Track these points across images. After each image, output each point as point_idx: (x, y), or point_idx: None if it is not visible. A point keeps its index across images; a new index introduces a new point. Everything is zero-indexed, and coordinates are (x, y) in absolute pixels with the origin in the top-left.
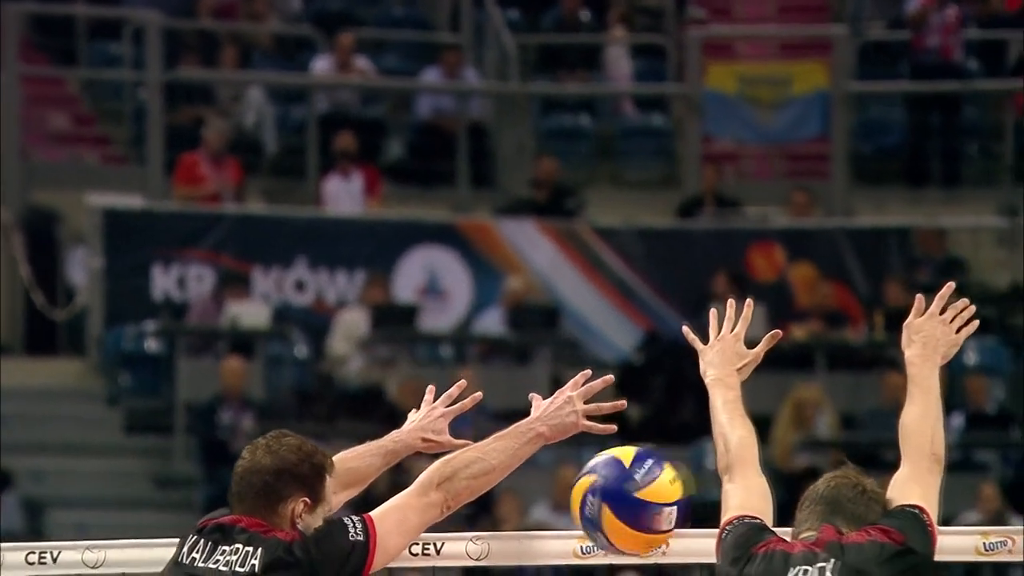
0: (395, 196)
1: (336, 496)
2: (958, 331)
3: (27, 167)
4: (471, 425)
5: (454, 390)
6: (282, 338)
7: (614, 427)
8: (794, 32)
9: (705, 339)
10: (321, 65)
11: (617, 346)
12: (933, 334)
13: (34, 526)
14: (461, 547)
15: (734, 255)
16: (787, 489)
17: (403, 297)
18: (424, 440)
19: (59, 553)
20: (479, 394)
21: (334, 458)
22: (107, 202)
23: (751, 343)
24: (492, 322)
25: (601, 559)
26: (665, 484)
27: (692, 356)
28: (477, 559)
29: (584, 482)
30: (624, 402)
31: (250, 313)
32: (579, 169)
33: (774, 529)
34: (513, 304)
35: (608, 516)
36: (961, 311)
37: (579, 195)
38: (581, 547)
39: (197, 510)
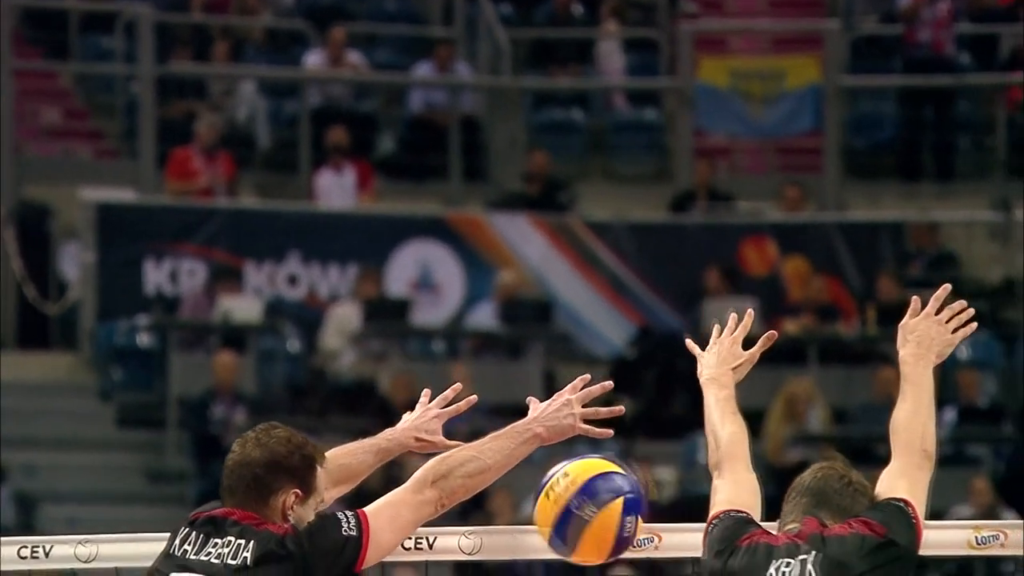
0: (387, 190)
1: (327, 493)
2: (955, 331)
3: (19, 161)
4: (465, 420)
5: (449, 392)
6: (274, 332)
7: (611, 432)
8: (786, 26)
9: (703, 345)
10: (313, 59)
11: (609, 340)
12: (928, 334)
13: (26, 520)
14: (454, 542)
15: (726, 249)
16: (779, 483)
17: (395, 291)
18: (417, 440)
19: (51, 547)
20: (474, 397)
21: (326, 455)
22: (99, 196)
23: (747, 342)
24: (484, 316)
25: None
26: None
27: (684, 350)
28: (470, 554)
29: (616, 506)
30: (622, 407)
31: (242, 307)
32: (571, 163)
33: (761, 523)
34: (505, 298)
35: (640, 525)
36: (958, 312)
37: (571, 189)
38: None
39: (189, 504)
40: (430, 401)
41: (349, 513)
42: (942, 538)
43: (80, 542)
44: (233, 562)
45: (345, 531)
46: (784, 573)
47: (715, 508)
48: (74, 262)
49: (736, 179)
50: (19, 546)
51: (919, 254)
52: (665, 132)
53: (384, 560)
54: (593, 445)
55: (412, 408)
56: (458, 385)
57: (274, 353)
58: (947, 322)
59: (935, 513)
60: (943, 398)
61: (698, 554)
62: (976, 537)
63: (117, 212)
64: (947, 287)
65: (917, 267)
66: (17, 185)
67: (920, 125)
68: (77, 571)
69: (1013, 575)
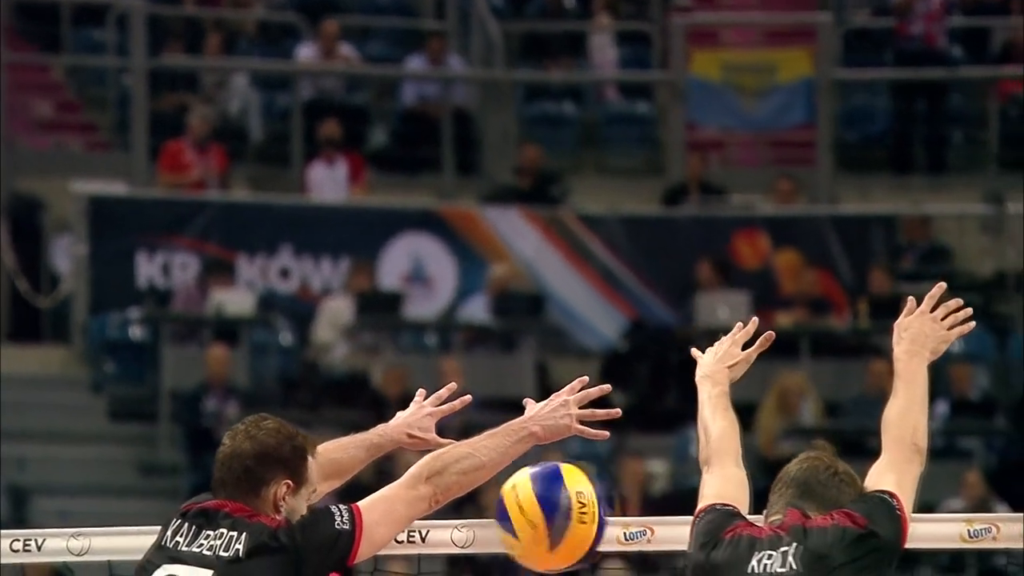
0: (379, 183)
1: (318, 487)
2: (951, 328)
3: (11, 154)
4: (457, 414)
5: (444, 391)
6: (267, 325)
7: (606, 433)
8: (779, 19)
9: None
10: (305, 52)
11: (602, 334)
12: (922, 331)
13: (18, 514)
14: (446, 535)
15: (719, 242)
16: (771, 476)
17: (388, 284)
18: (410, 436)
19: (44, 540)
20: (468, 397)
21: (317, 449)
22: (91, 189)
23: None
24: (477, 309)
25: None
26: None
27: (677, 343)
28: (462, 547)
29: (594, 497)
30: (618, 410)
31: (235, 300)
32: (563, 156)
33: (748, 516)
34: (498, 291)
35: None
36: (954, 310)
37: (563, 182)
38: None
39: (182, 497)
40: (425, 399)
41: (343, 507)
42: (935, 531)
43: (72, 535)
44: (225, 554)
45: (338, 525)
46: (766, 565)
47: (702, 502)
48: (66, 255)
49: (728, 172)
50: (11, 539)
51: (911, 247)
52: (657, 125)
53: (377, 553)
54: (587, 445)
55: (405, 402)
56: (452, 384)
57: (266, 346)
58: (943, 319)
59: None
60: (935, 391)
61: None
62: (968, 530)
63: (109, 205)
64: (942, 285)
65: (909, 260)
66: (9, 178)
67: (912, 118)
68: (70, 564)
69: (1006, 568)
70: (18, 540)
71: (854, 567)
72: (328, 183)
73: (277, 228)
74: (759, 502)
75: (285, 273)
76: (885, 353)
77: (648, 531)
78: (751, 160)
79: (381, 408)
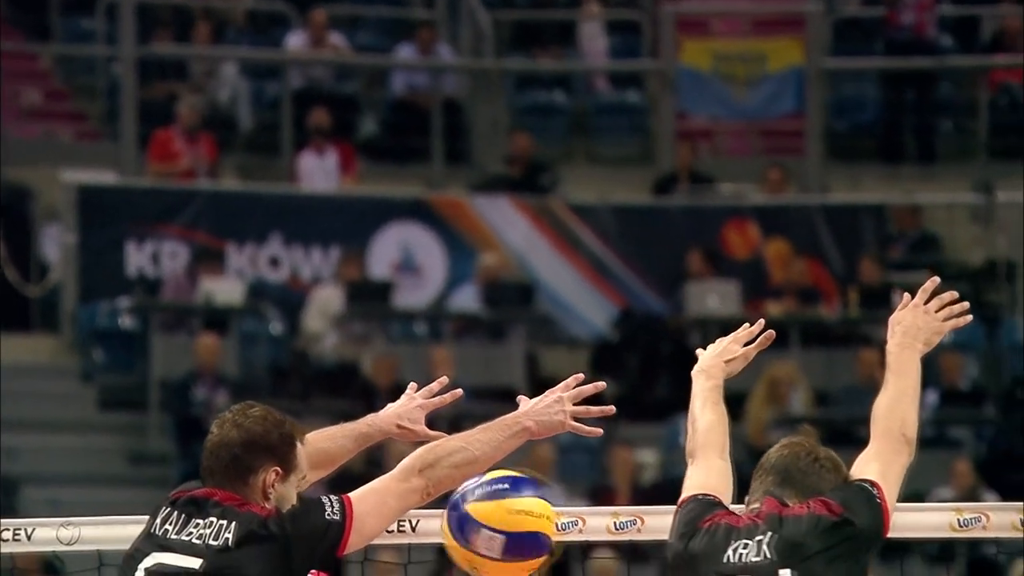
0: (369, 172)
1: (307, 476)
2: (945, 320)
3: (0, 143)
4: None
5: (435, 385)
6: (256, 315)
7: (600, 430)
8: (769, 9)
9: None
10: (295, 41)
11: (592, 323)
12: (914, 323)
13: (8, 503)
14: (436, 524)
15: (709, 232)
16: None
17: (378, 274)
18: (399, 427)
19: (34, 530)
20: (459, 391)
21: (306, 437)
22: (81, 178)
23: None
24: (467, 299)
25: (575, 536)
26: (502, 509)
27: (667, 333)
28: None
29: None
30: (613, 408)
31: (224, 289)
32: (554, 146)
33: (731, 506)
34: (488, 281)
35: (443, 522)
36: (949, 303)
37: (554, 171)
38: (556, 524)
39: (172, 486)
40: (416, 392)
41: (334, 498)
42: (924, 520)
43: (62, 524)
44: (215, 543)
45: (328, 515)
46: (741, 555)
47: (685, 493)
48: (55, 244)
49: (718, 162)
50: (1, 529)
51: (901, 236)
52: (648, 114)
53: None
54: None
55: (395, 392)
56: (444, 378)
57: (256, 335)
58: (936, 312)
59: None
60: (925, 381)
61: None
62: (958, 519)
63: (98, 194)
64: (935, 279)
65: (899, 250)
66: None
67: (902, 107)
68: (59, 554)
69: (996, 557)
70: (8, 530)
71: (828, 555)
72: (318, 172)
73: (267, 217)
74: (745, 490)
75: (275, 262)
76: (875, 342)
77: (638, 520)
78: (741, 149)
79: (371, 397)
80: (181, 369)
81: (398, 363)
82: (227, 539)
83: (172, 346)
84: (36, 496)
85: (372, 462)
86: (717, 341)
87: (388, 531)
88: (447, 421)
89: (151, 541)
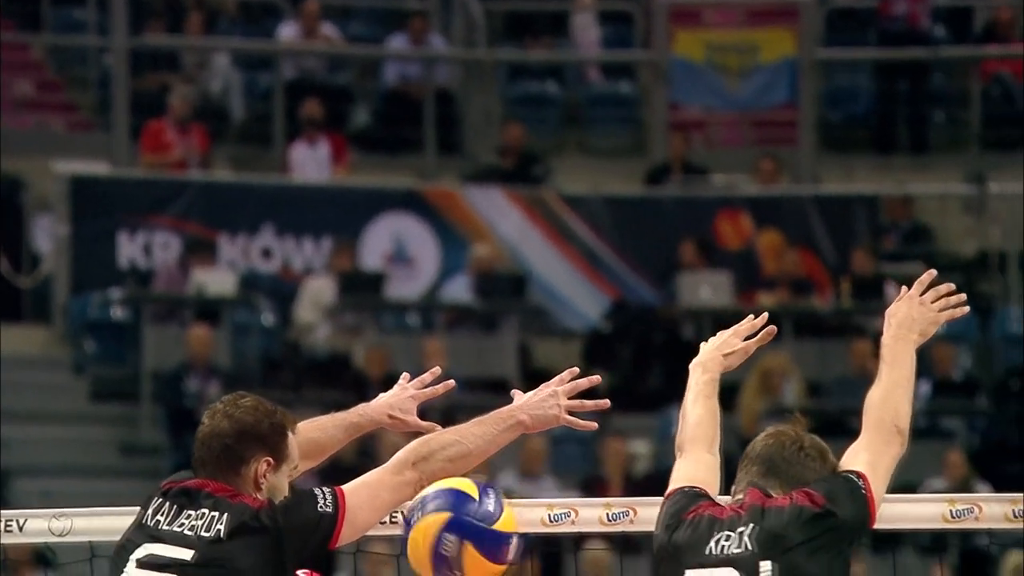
0: (362, 163)
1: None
2: (941, 311)
3: None
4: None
5: (428, 376)
6: (248, 306)
7: (594, 424)
8: None
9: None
10: (287, 32)
11: (584, 314)
12: (909, 315)
13: None
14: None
15: (701, 223)
16: None
17: (370, 265)
18: (391, 417)
19: (25, 521)
20: (452, 382)
21: (296, 426)
22: (73, 169)
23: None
24: (459, 290)
25: (568, 528)
26: (510, 514)
27: (659, 324)
28: None
29: (435, 519)
30: (607, 402)
31: (216, 280)
32: (546, 136)
33: (717, 497)
34: (480, 272)
35: (471, 553)
36: (945, 294)
37: (546, 162)
38: (549, 515)
39: (164, 478)
40: (408, 382)
41: (326, 490)
42: (917, 511)
43: (54, 516)
44: (207, 534)
45: (321, 507)
46: (723, 547)
47: (671, 486)
48: (47, 235)
49: (711, 152)
50: None
51: (893, 227)
52: (640, 105)
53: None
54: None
55: (388, 383)
56: (436, 369)
57: (248, 326)
58: (932, 303)
59: (909, 486)
60: (918, 372)
61: None
62: (951, 510)
63: (90, 185)
64: (932, 272)
65: (891, 240)
66: None
67: (895, 98)
68: (51, 545)
69: (988, 548)
70: None
71: (810, 546)
72: (310, 163)
73: (259, 208)
74: (733, 480)
75: (267, 253)
76: (868, 333)
77: (631, 512)
78: (734, 140)
79: (363, 388)
80: (173, 360)
81: (390, 354)
82: (219, 530)
83: (164, 337)
84: (28, 487)
85: (365, 453)
86: (718, 334)
87: (381, 523)
88: (439, 412)
89: (143, 532)
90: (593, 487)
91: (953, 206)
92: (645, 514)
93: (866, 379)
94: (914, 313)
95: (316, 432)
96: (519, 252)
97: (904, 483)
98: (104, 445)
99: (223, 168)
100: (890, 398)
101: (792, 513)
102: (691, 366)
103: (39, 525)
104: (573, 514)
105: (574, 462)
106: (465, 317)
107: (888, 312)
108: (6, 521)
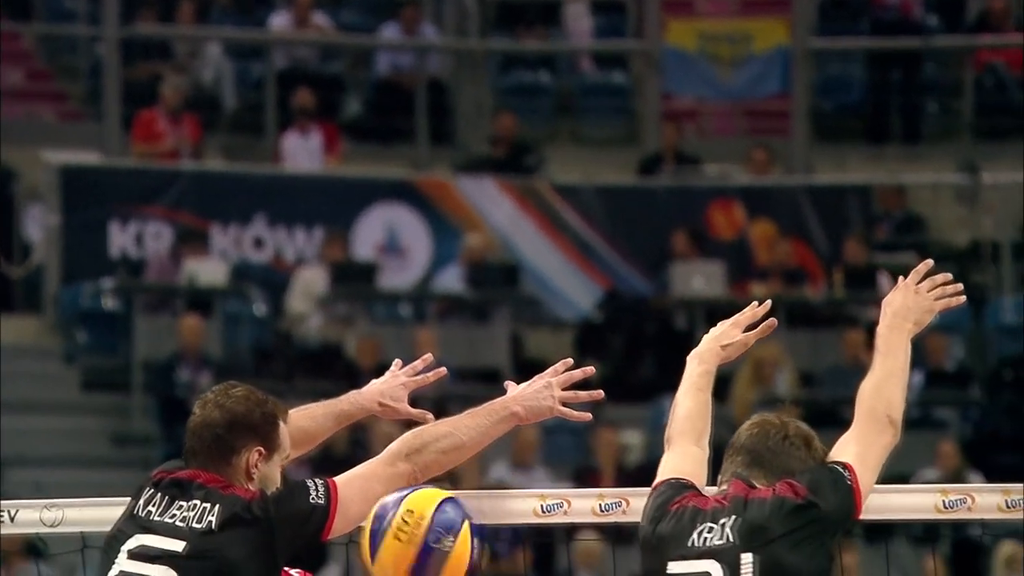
0: (354, 153)
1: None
2: (937, 300)
3: None
4: (431, 384)
5: (419, 363)
6: (240, 296)
7: (589, 415)
8: None
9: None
10: (279, 21)
11: (577, 304)
12: (905, 304)
13: None
14: None
15: (694, 213)
16: None
17: (362, 255)
18: (381, 405)
19: (17, 512)
20: (443, 369)
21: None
22: (64, 159)
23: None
24: (451, 280)
25: (561, 519)
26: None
27: (652, 314)
28: None
29: (466, 531)
30: (602, 392)
31: (208, 270)
32: (538, 126)
33: (704, 488)
34: (472, 262)
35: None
36: (941, 284)
37: (538, 152)
38: (541, 506)
39: (155, 468)
40: (400, 369)
41: (319, 481)
42: (910, 502)
43: (46, 506)
44: (198, 526)
45: (313, 499)
46: (706, 539)
47: (658, 478)
48: (38, 225)
49: (704, 142)
50: None
51: (886, 217)
52: (633, 95)
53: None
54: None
55: (379, 373)
56: (428, 356)
57: (240, 316)
58: (928, 292)
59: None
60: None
61: None
62: (944, 501)
63: (82, 174)
64: (929, 262)
65: (884, 230)
66: None
67: (888, 88)
68: (43, 535)
69: (981, 539)
70: None
71: (792, 539)
72: (302, 153)
73: (251, 198)
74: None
75: (259, 243)
76: (861, 323)
77: (623, 502)
78: (726, 130)
79: (355, 378)
80: (165, 350)
81: (382, 344)
82: (210, 522)
83: (156, 327)
84: (19, 478)
85: (357, 444)
86: (719, 323)
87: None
88: (432, 403)
89: (134, 523)
90: (585, 478)
91: (946, 196)
92: (638, 505)
93: (859, 369)
94: (910, 302)
95: (306, 420)
96: (511, 242)
97: (897, 473)
98: (96, 435)
99: (215, 158)
100: (883, 388)
101: (774, 505)
102: (688, 357)
103: (30, 516)
104: (565, 505)
105: (566, 453)
106: (457, 307)
107: (884, 301)
108: None
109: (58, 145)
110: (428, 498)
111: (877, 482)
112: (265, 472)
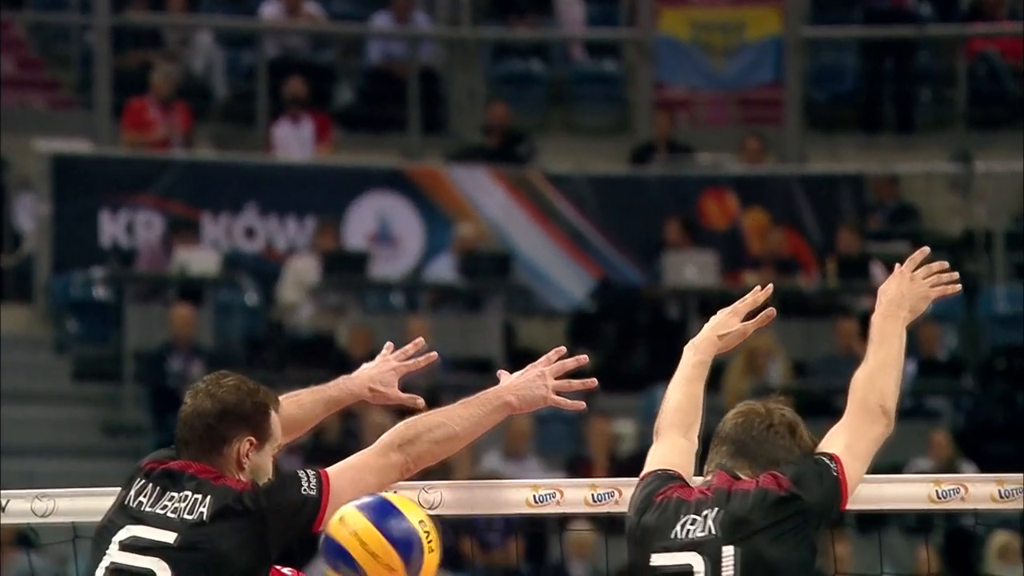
0: (345, 142)
1: None
2: (933, 287)
3: None
4: (421, 374)
5: (410, 347)
6: (232, 285)
7: (582, 404)
8: None
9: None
10: (270, 9)
11: (569, 293)
12: (900, 291)
13: None
14: (413, 496)
15: (687, 202)
16: None
17: (354, 244)
18: (372, 391)
19: (8, 502)
20: (434, 354)
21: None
22: (54, 147)
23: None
24: (443, 269)
25: (553, 509)
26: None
27: (644, 303)
28: (430, 508)
29: (432, 522)
30: (595, 381)
31: (199, 260)
32: (531, 115)
33: (691, 478)
34: (464, 251)
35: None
36: (937, 271)
37: (531, 141)
38: (534, 496)
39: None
40: (391, 353)
41: (311, 472)
42: (903, 492)
43: (37, 496)
44: (189, 517)
45: (304, 490)
46: (688, 530)
47: (645, 469)
48: (29, 214)
49: (696, 131)
50: None
51: (879, 206)
52: (625, 84)
53: None
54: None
55: (372, 360)
56: (420, 340)
57: (231, 306)
58: (923, 279)
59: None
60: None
61: None
62: (937, 491)
63: (72, 163)
64: (925, 249)
65: (877, 220)
66: None
67: (881, 77)
68: (34, 525)
69: (974, 529)
70: None
71: (774, 531)
72: (293, 142)
73: (242, 187)
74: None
75: (250, 232)
76: (853, 313)
77: (616, 492)
78: (719, 119)
79: (347, 368)
80: (156, 340)
81: (374, 334)
82: (202, 513)
83: (147, 317)
84: (10, 468)
85: (349, 434)
86: (719, 311)
87: None
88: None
89: (125, 513)
90: (578, 467)
91: (939, 185)
92: (630, 495)
93: (852, 359)
94: (905, 289)
95: (294, 408)
96: (503, 231)
97: (889, 463)
98: (87, 425)
99: (206, 147)
100: (876, 378)
101: (757, 497)
102: (685, 347)
103: (21, 506)
104: (558, 495)
105: (559, 442)
106: (449, 297)
107: (880, 289)
108: None
109: (49, 134)
110: (412, 505)
111: (869, 472)
112: (257, 462)
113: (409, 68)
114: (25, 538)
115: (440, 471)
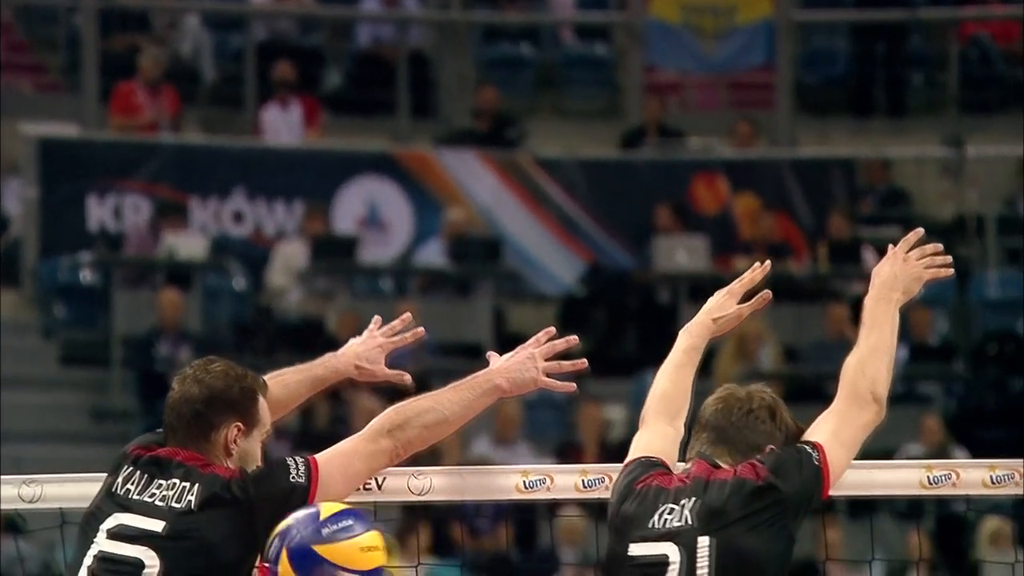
0: (334, 126)
1: None
2: (927, 268)
3: None
4: (410, 359)
5: (397, 323)
6: (220, 270)
7: (573, 386)
8: None
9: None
10: None
11: (559, 278)
12: (893, 272)
13: None
14: (403, 482)
15: (677, 186)
16: None
17: (342, 228)
18: (358, 367)
19: None
20: (421, 330)
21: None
22: (42, 131)
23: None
24: (433, 254)
25: (544, 495)
26: (354, 548)
27: (634, 288)
28: (419, 495)
29: (280, 524)
30: (585, 362)
31: (187, 244)
32: (521, 99)
33: (673, 466)
34: (454, 236)
35: (284, 562)
36: (931, 254)
37: (521, 125)
38: (524, 482)
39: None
40: (379, 329)
41: (299, 460)
42: (894, 478)
43: (24, 482)
44: (177, 505)
45: (293, 478)
46: (666, 520)
47: (629, 456)
48: (16, 198)
49: (687, 115)
50: None
51: (870, 191)
52: (616, 68)
53: None
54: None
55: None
56: (407, 316)
57: (219, 291)
58: (917, 260)
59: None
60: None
61: None
62: (928, 476)
63: (60, 147)
64: (919, 231)
65: (868, 204)
66: None
67: (872, 60)
68: (21, 511)
69: (965, 515)
70: None
71: (750, 522)
72: (282, 126)
73: (230, 171)
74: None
75: (238, 217)
76: (845, 298)
77: (606, 478)
78: (710, 103)
79: None
80: (144, 325)
81: (363, 319)
82: (189, 501)
83: (134, 301)
84: None
85: (338, 420)
86: (716, 293)
87: (355, 492)
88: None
89: (112, 501)
90: (568, 453)
91: (930, 169)
92: None
93: (843, 344)
94: (898, 271)
95: (279, 388)
96: (493, 216)
97: (881, 449)
98: (74, 410)
99: (194, 131)
100: (867, 364)
101: (734, 487)
102: (681, 330)
103: (9, 491)
104: (548, 481)
105: (549, 428)
106: (439, 281)
107: (873, 271)
108: None
109: (36, 117)
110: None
111: (860, 457)
112: (245, 448)
113: (398, 52)
114: (13, 524)
115: (430, 457)
